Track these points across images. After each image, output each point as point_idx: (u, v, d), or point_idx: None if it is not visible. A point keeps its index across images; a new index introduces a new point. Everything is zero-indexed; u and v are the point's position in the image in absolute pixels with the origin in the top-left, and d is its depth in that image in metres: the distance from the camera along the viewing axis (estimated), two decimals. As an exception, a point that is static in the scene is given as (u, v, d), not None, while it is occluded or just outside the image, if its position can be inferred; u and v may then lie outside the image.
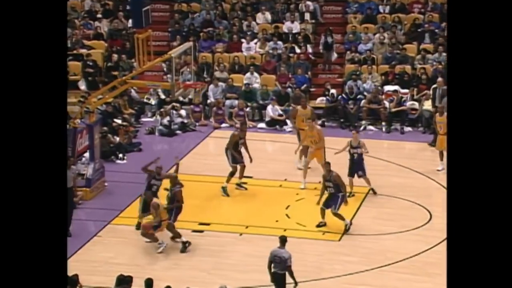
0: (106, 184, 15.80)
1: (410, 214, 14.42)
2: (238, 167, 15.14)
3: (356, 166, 14.78)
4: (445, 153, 15.74)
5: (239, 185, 15.28)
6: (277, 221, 14.22)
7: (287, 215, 14.49)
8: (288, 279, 10.97)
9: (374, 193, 14.83)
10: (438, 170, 16.00)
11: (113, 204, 14.89)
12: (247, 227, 14.03)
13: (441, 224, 13.85)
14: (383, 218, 14.11)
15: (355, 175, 14.84)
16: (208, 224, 13.97)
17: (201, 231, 13.79)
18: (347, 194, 13.92)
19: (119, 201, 15.04)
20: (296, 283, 11.05)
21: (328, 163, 13.82)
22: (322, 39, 21.27)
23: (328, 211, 13.53)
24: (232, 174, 15.10)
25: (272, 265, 10.97)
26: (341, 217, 13.50)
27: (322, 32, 21.75)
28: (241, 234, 13.78)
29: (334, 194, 13.43)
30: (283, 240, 11.18)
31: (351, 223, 13.54)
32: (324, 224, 13.61)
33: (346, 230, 13.41)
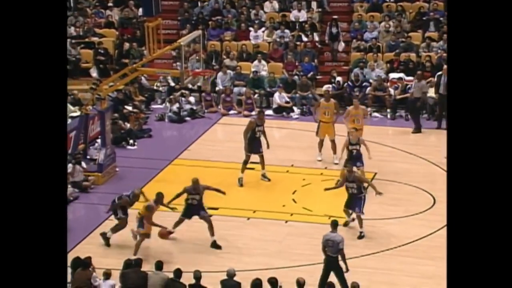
0: (117, 169, 15.86)
1: (414, 199, 14.42)
2: (258, 156, 14.97)
3: (355, 160, 14.32)
4: None
5: (264, 176, 15.10)
6: (284, 206, 14.26)
7: (293, 200, 14.52)
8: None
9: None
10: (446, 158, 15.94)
11: (124, 189, 14.84)
12: (254, 211, 14.07)
13: (444, 209, 13.73)
14: (387, 203, 14.08)
15: (354, 167, 14.03)
16: (216, 209, 14.00)
17: (210, 215, 13.83)
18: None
19: (130, 186, 14.99)
20: (347, 269, 11.05)
21: (350, 165, 13.42)
22: (327, 29, 21.15)
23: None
24: (245, 163, 14.94)
25: (326, 249, 11.00)
26: (360, 223, 12.92)
27: (329, 20, 21.68)
28: (248, 219, 13.82)
29: (355, 196, 12.78)
30: (334, 224, 11.22)
31: (363, 234, 12.95)
32: (352, 220, 13.12)
33: (360, 237, 12.85)
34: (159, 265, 10.81)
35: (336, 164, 15.66)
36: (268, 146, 15.03)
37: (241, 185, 14.92)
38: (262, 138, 15.02)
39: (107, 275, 10.63)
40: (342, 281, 10.91)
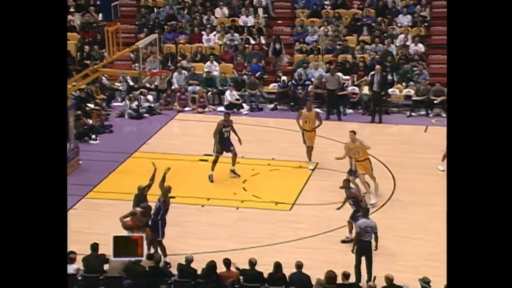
0: (80, 162, 15.61)
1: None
2: (231, 154, 14.67)
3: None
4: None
5: (233, 171, 14.85)
6: (235, 193, 14.26)
7: (244, 188, 14.53)
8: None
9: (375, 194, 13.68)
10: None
11: (87, 180, 14.75)
12: (208, 199, 14.03)
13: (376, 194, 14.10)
14: (327, 190, 14.18)
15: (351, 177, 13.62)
16: (173, 197, 13.79)
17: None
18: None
19: (92, 177, 14.91)
20: (376, 247, 11.03)
21: (348, 180, 12.52)
22: (271, 46, 20.81)
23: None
24: (214, 162, 14.67)
25: (363, 235, 10.86)
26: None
27: (274, 25, 21.71)
28: (203, 206, 13.77)
29: (354, 212, 11.99)
30: (367, 212, 11.28)
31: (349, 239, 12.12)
32: (350, 240, 11.91)
33: (344, 241, 12.18)
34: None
35: (312, 170, 15.26)
36: (240, 142, 14.71)
37: (212, 181, 14.61)
38: (233, 136, 14.71)
39: (71, 260, 10.43)
40: (370, 264, 10.86)
